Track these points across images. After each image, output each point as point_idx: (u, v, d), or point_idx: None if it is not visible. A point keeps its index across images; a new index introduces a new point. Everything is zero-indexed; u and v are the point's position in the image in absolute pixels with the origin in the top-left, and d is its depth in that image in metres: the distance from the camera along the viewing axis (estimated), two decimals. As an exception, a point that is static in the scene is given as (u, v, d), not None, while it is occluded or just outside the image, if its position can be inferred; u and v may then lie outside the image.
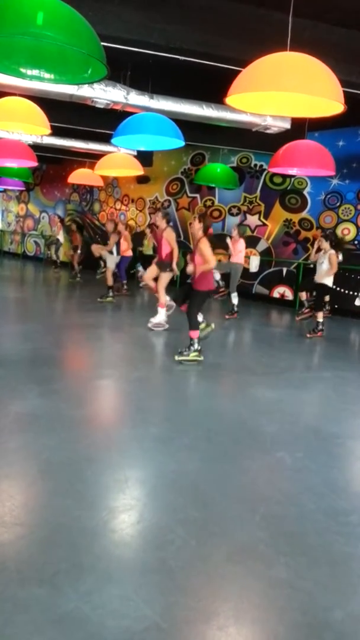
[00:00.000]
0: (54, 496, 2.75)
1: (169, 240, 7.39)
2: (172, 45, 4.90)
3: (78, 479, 2.94)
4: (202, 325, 6.03)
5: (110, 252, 10.05)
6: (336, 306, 10.03)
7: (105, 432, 3.81)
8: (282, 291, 11.04)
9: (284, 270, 10.98)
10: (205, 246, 5.52)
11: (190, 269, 5.73)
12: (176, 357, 5.61)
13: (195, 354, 5.62)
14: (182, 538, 2.44)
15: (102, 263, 11.60)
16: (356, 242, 9.74)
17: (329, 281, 7.73)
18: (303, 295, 8.32)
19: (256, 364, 6.02)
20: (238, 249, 8.98)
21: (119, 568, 2.20)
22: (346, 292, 9.90)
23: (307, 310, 8.26)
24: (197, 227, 5.71)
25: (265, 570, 2.26)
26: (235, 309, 9.10)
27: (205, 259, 5.53)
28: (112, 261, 10.20)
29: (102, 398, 4.73)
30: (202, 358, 5.65)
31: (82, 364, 5.85)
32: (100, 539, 2.39)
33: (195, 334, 5.64)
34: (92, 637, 1.82)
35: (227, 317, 8.98)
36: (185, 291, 5.96)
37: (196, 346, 5.63)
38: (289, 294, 10.91)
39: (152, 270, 7.77)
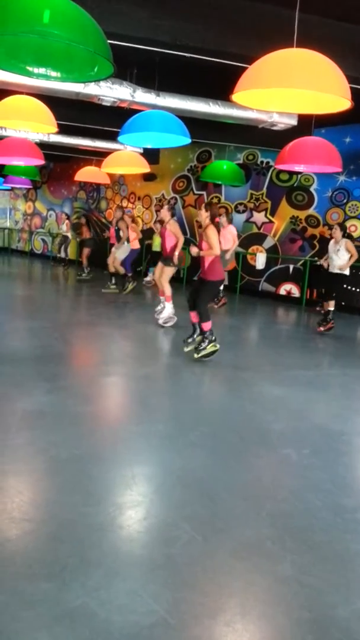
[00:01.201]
0: (62, 492, 2.77)
1: (172, 231, 7.34)
2: (178, 43, 4.88)
3: (85, 476, 2.96)
4: (199, 339, 5.84)
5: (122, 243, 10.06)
6: (343, 303, 10.00)
7: (112, 428, 3.83)
8: (288, 288, 11.01)
9: (291, 267, 10.95)
10: (211, 232, 5.59)
11: (194, 250, 5.71)
12: (195, 356, 5.57)
13: (211, 344, 5.61)
14: (188, 534, 2.45)
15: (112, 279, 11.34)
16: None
17: (347, 271, 7.63)
18: (331, 305, 7.75)
19: (262, 361, 6.02)
20: (228, 236, 8.84)
21: (126, 564, 2.22)
22: (353, 289, 9.86)
23: (332, 322, 7.72)
24: (204, 216, 5.75)
25: (271, 566, 2.27)
26: (221, 294, 9.15)
27: (210, 244, 5.58)
28: (123, 251, 10.00)
29: (109, 395, 4.75)
30: (218, 347, 5.64)
31: (89, 361, 5.87)
32: (108, 535, 2.40)
33: (207, 326, 5.60)
34: (100, 633, 1.84)
35: (215, 306, 8.93)
36: (194, 296, 5.79)
37: (211, 337, 5.61)
38: (295, 291, 10.88)
39: (158, 268, 7.76)
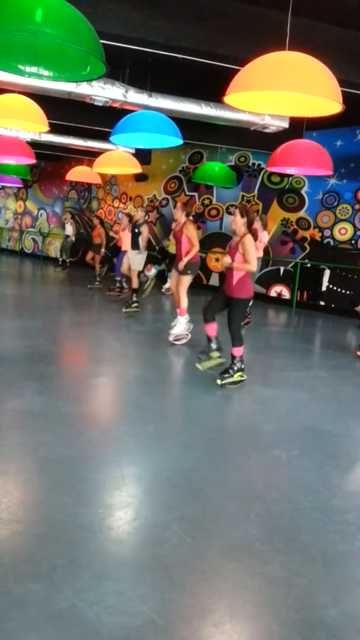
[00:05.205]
0: (51, 493, 2.76)
1: (189, 236, 6.42)
2: (171, 44, 4.89)
3: (75, 476, 2.95)
4: (215, 355, 5.17)
5: (137, 249, 8.37)
6: (333, 305, 10.06)
7: (102, 429, 3.82)
8: (279, 290, 11.06)
9: (281, 269, 11.00)
10: (250, 245, 4.73)
11: (227, 260, 4.88)
12: (218, 382, 4.85)
13: (239, 374, 4.93)
14: (178, 535, 2.45)
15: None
16: (353, 241, 9.76)
17: None
18: None
19: (253, 362, 6.03)
20: (260, 240, 7.41)
21: (115, 565, 2.21)
22: (342, 291, 9.93)
23: None
24: (240, 223, 4.87)
25: (260, 567, 2.28)
26: (249, 310, 7.88)
27: (248, 259, 4.73)
28: (139, 261, 8.44)
29: (99, 395, 4.74)
30: (245, 377, 4.97)
31: (80, 362, 5.85)
32: (97, 536, 2.40)
33: (238, 352, 4.90)
34: (88, 634, 1.83)
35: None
36: (215, 307, 5.10)
37: (240, 365, 4.93)
38: (286, 293, 10.93)
39: (174, 277, 6.78)
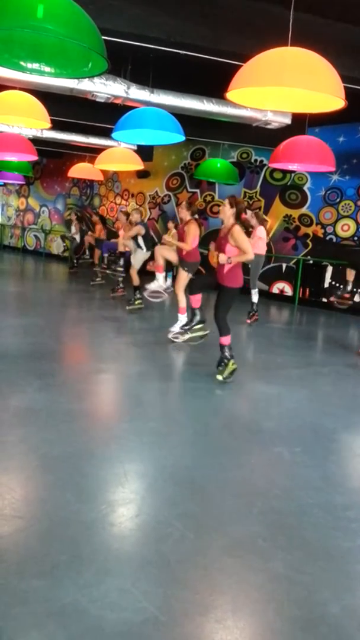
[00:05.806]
0: (54, 489, 2.77)
1: (188, 235, 6.29)
2: (172, 40, 4.88)
3: (77, 473, 2.96)
4: (198, 327, 5.50)
5: (139, 247, 8.35)
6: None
7: (104, 426, 3.83)
8: (281, 287, 11.04)
9: (284, 265, 10.98)
10: (240, 235, 4.74)
11: (223, 258, 4.84)
12: (220, 378, 4.89)
13: (232, 362, 4.97)
14: (180, 531, 2.46)
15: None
16: (356, 238, 9.74)
17: None
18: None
19: (254, 359, 6.03)
20: (258, 236, 7.75)
21: (118, 561, 2.22)
22: (339, 286, 9.89)
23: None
24: (228, 214, 4.87)
25: (262, 564, 2.28)
26: (255, 308, 8.11)
27: (244, 248, 4.74)
28: (139, 259, 8.39)
29: (102, 392, 4.75)
30: (236, 365, 5.00)
31: (82, 359, 5.86)
32: (99, 532, 2.40)
33: (226, 340, 4.95)
34: (91, 630, 1.84)
35: (248, 321, 7.94)
36: (204, 282, 5.23)
37: (230, 352, 4.98)
38: (288, 290, 10.91)
39: (166, 249, 6.83)
